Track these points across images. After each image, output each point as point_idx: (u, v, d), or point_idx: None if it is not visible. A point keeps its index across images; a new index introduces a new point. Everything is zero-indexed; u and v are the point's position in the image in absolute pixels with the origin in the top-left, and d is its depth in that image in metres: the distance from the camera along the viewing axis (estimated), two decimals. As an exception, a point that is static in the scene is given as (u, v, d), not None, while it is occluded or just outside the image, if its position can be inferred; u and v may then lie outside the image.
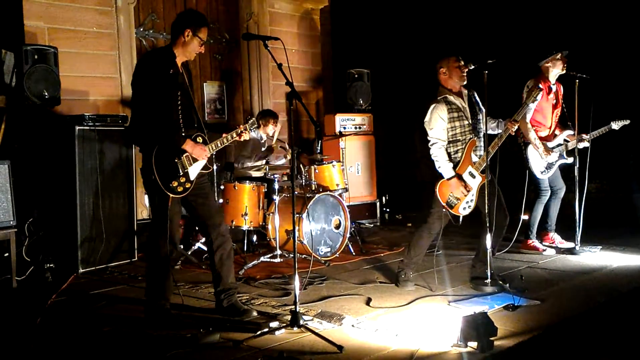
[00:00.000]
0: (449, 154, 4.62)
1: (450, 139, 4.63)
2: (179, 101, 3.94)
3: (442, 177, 4.60)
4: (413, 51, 9.64)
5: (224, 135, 4.18)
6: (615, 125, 5.89)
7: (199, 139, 4.02)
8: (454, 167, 4.61)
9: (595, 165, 6.01)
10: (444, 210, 4.65)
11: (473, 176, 4.62)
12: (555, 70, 5.85)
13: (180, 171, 3.90)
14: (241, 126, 4.24)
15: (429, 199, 4.70)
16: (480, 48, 5.34)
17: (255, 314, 4.10)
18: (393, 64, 10.19)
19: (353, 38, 10.19)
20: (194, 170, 3.99)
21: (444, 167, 4.59)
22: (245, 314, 4.08)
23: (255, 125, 4.35)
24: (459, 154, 4.64)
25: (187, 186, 3.95)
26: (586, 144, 5.93)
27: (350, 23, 10.23)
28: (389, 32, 10.53)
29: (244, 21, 8.23)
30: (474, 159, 4.65)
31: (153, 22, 7.35)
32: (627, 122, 5.90)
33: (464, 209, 4.66)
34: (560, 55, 5.81)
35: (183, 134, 3.94)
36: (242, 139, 4.24)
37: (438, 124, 4.59)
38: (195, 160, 3.97)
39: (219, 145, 4.12)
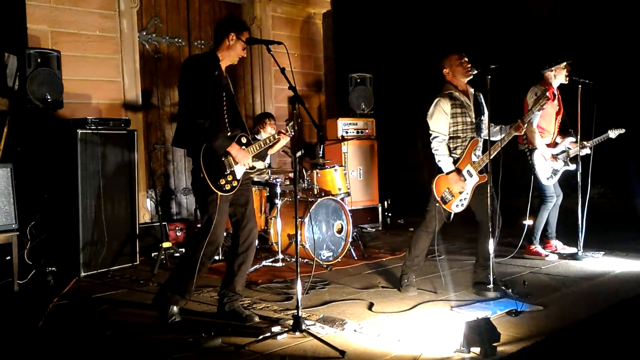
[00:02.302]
0: (449, 149, 4.62)
1: (451, 135, 4.63)
2: (224, 103, 4.03)
3: (441, 173, 4.60)
4: (415, 56, 9.66)
5: (265, 137, 4.33)
6: (612, 134, 5.92)
7: (243, 139, 4.10)
8: (453, 163, 4.61)
9: (598, 171, 6.00)
10: (438, 206, 4.64)
11: (470, 175, 4.62)
12: (559, 78, 5.86)
13: (227, 169, 3.96)
14: (281, 130, 4.44)
15: (427, 198, 4.72)
16: (483, 53, 5.33)
17: (257, 319, 4.09)
18: (395, 68, 10.21)
19: (355, 42, 10.21)
20: (240, 169, 4.05)
21: (444, 161, 4.59)
22: (247, 319, 4.07)
23: (296, 128, 4.42)
24: (459, 151, 4.64)
25: (234, 184, 4.00)
26: (587, 151, 5.93)
27: (352, 28, 10.25)
28: (390, 36, 10.55)
29: (247, 25, 8.23)
30: (473, 158, 4.64)
31: (156, 26, 7.36)
32: (623, 130, 5.92)
33: (456, 206, 4.65)
34: (565, 64, 5.82)
35: (229, 134, 4.02)
36: (282, 140, 4.42)
37: (441, 117, 4.60)
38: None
39: (262, 145, 4.22)
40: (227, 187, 3.97)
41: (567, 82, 5.87)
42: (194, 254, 3.99)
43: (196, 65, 4.03)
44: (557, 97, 5.95)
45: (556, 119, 5.97)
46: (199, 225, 4.59)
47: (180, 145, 4.19)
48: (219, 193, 3.93)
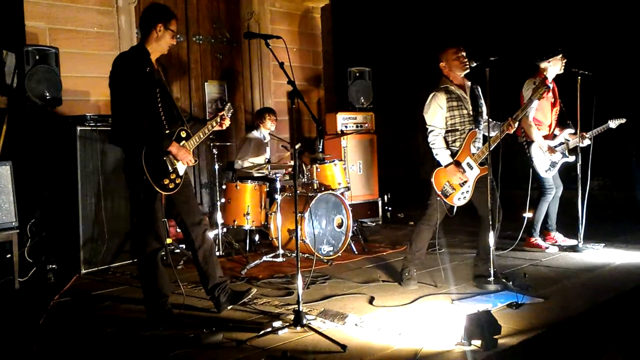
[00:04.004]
0: (447, 142, 4.62)
1: (449, 128, 4.63)
2: (159, 98, 3.93)
3: (439, 166, 4.60)
4: (414, 49, 9.64)
5: (206, 125, 4.18)
6: (613, 124, 5.91)
7: (183, 134, 4.02)
8: (452, 156, 4.60)
9: (598, 163, 5.99)
10: (439, 199, 4.63)
11: (471, 167, 4.61)
12: (554, 70, 5.84)
13: (170, 168, 3.92)
14: (220, 114, 4.23)
15: (428, 192, 4.72)
16: (481, 46, 5.32)
17: (254, 290, 4.22)
18: (394, 62, 10.19)
19: (354, 36, 10.19)
20: (182, 166, 4.01)
21: (441, 154, 4.59)
22: (245, 293, 4.18)
23: (232, 110, 4.32)
24: (457, 144, 4.64)
25: (177, 182, 3.97)
26: (588, 142, 5.92)
27: (351, 21, 10.24)
28: (389, 30, 10.53)
29: (245, 20, 8.22)
30: (473, 150, 4.64)
31: (154, 22, 7.33)
32: (624, 120, 5.91)
33: (458, 199, 4.64)
34: (561, 55, 5.81)
35: (167, 132, 3.94)
36: (224, 127, 4.23)
37: (437, 112, 4.60)
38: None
39: (202, 136, 4.14)
40: (171, 185, 3.93)
41: (561, 71, 5.84)
42: (144, 254, 3.97)
43: (126, 63, 3.91)
44: (552, 88, 5.94)
45: (552, 110, 5.96)
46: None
47: (116, 144, 4.11)
48: (163, 193, 3.90)
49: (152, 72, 3.93)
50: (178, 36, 7.51)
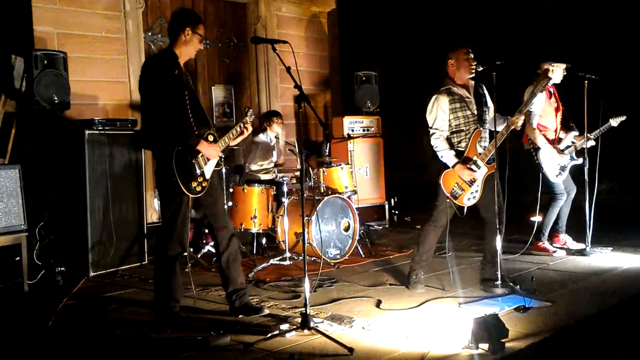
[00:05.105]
0: (451, 144, 4.62)
1: (454, 129, 4.64)
2: (187, 101, 3.98)
3: (446, 169, 4.59)
4: (420, 53, 9.65)
5: (230, 131, 4.23)
6: (614, 122, 5.91)
7: (210, 137, 4.07)
8: (459, 156, 4.60)
9: (605, 166, 5.99)
10: (448, 201, 4.63)
11: (478, 167, 4.60)
12: (555, 76, 5.85)
13: (198, 171, 3.96)
14: (244, 119, 4.28)
15: (435, 193, 4.71)
16: (489, 49, 5.32)
17: (267, 310, 4.16)
18: (401, 66, 10.21)
19: (360, 41, 10.20)
20: (208, 169, 4.05)
21: (446, 155, 4.59)
22: (258, 311, 4.14)
23: (254, 116, 4.38)
24: (463, 144, 4.63)
25: (204, 185, 4.01)
26: (592, 143, 5.92)
27: (357, 26, 10.25)
28: (395, 34, 10.55)
29: (252, 25, 8.25)
30: (479, 149, 4.63)
31: (161, 26, 7.37)
32: (624, 117, 5.92)
33: (468, 200, 4.63)
34: (565, 66, 5.83)
35: (196, 133, 3.99)
36: (248, 132, 4.28)
37: (438, 115, 4.61)
38: (209, 159, 4.04)
39: (227, 141, 4.19)
40: (199, 188, 3.97)
41: (558, 82, 5.88)
42: (165, 257, 4.02)
43: (155, 66, 3.96)
44: (553, 94, 5.96)
45: (556, 115, 5.98)
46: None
47: (146, 147, 4.17)
48: (191, 196, 3.93)
49: (180, 75, 3.97)
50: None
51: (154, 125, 3.89)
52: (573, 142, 5.95)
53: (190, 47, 4.02)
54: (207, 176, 4.04)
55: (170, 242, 3.99)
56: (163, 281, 4.06)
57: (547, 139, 5.83)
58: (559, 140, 5.97)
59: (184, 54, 4.03)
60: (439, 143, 4.61)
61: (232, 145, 4.38)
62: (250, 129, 4.31)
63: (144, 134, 4.08)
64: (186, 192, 3.89)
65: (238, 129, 4.24)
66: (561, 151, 5.87)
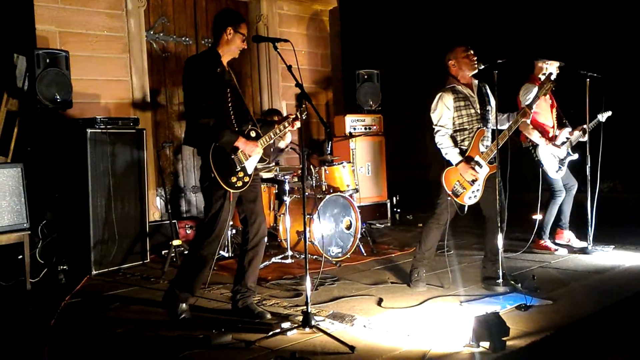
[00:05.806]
0: (455, 142, 4.62)
1: (458, 128, 4.64)
2: (229, 99, 4.03)
3: (449, 166, 4.59)
4: (422, 51, 9.65)
5: (276, 126, 4.21)
6: (602, 117, 5.99)
7: (252, 133, 4.09)
8: (462, 155, 4.60)
9: (607, 165, 5.98)
10: (449, 199, 4.63)
11: (480, 166, 4.60)
12: (548, 74, 5.85)
13: (238, 166, 3.98)
14: (291, 115, 4.21)
15: (437, 191, 4.72)
16: (491, 48, 5.32)
17: (269, 316, 4.10)
18: (403, 63, 10.20)
19: (362, 39, 10.20)
20: (250, 164, 4.06)
21: (451, 153, 4.59)
22: (259, 316, 4.09)
23: (306, 112, 4.30)
24: (466, 143, 4.63)
25: (245, 180, 4.02)
26: (586, 137, 5.94)
27: (359, 24, 10.25)
28: (397, 32, 10.54)
29: (254, 23, 8.25)
30: (481, 149, 4.64)
31: (163, 25, 7.39)
32: (610, 113, 6.00)
33: (469, 198, 4.63)
34: (559, 64, 5.83)
35: (236, 129, 4.01)
36: (295, 128, 4.22)
37: (443, 112, 4.61)
38: (250, 155, 4.04)
39: (272, 136, 4.17)
40: (239, 183, 3.99)
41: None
42: (198, 251, 4.03)
43: (197, 64, 4.03)
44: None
45: (552, 112, 6.00)
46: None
47: (190, 144, 4.24)
48: (231, 190, 3.95)
49: (222, 72, 4.03)
50: (187, 39, 7.55)
51: (194, 122, 3.94)
52: (568, 138, 5.98)
53: (232, 47, 4.07)
54: (249, 171, 4.05)
55: (207, 238, 4.00)
56: (188, 272, 4.07)
57: (547, 137, 5.83)
58: (555, 137, 5.98)
59: (227, 53, 4.09)
60: (443, 140, 4.61)
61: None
62: (298, 125, 4.22)
63: (188, 131, 4.13)
64: (225, 186, 3.91)
65: (286, 125, 4.21)
66: (558, 145, 5.88)
